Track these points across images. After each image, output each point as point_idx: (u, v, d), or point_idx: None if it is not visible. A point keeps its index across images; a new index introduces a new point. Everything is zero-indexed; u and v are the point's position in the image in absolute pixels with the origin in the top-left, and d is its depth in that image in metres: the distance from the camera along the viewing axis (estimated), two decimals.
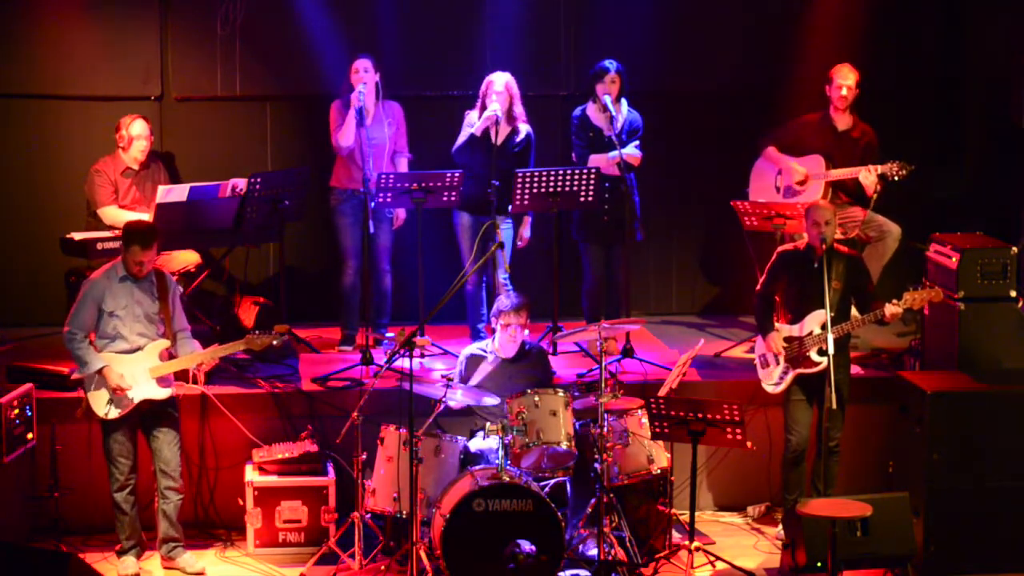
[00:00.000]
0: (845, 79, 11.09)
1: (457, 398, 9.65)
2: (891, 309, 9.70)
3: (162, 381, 9.60)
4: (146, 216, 10.68)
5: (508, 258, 10.88)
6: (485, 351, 10.07)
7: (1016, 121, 11.71)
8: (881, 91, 11.95)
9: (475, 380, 9.96)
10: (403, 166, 11.27)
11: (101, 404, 9.53)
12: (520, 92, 11.08)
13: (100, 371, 9.48)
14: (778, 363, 10.01)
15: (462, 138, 11.00)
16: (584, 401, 9.74)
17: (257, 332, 9.81)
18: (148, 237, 9.51)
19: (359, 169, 10.93)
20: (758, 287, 10.16)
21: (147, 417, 9.65)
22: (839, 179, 11.06)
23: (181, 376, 10.12)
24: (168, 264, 10.80)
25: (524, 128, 11.10)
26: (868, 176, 10.89)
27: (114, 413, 9.51)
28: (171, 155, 11.80)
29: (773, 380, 10.05)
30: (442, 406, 9.53)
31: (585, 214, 11.14)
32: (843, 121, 11.19)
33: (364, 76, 10.98)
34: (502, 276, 10.78)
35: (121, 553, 9.74)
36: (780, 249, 10.19)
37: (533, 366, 10.05)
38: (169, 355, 9.65)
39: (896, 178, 10.86)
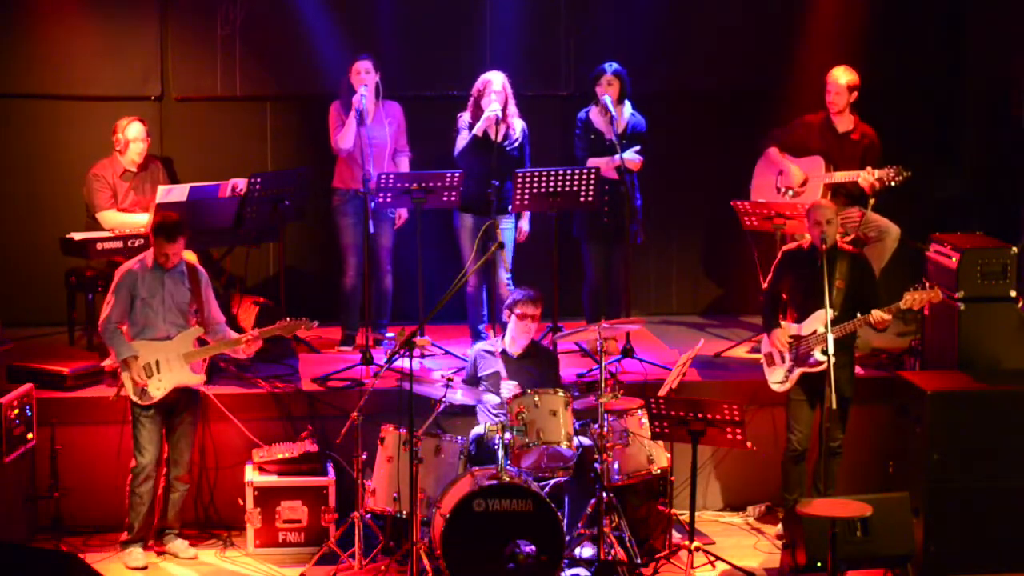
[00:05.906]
0: (835, 83, 11.07)
1: (457, 398, 9.66)
2: (878, 315, 9.68)
3: (195, 367, 9.70)
4: (145, 218, 10.70)
5: (510, 258, 10.90)
6: (493, 348, 10.06)
7: (1017, 120, 11.71)
8: (881, 91, 11.94)
9: (484, 376, 9.95)
10: (404, 164, 11.27)
11: (135, 388, 9.60)
12: (520, 92, 11.09)
13: (125, 360, 9.56)
14: (784, 361, 10.00)
15: (464, 141, 10.99)
16: (584, 401, 9.74)
17: (290, 318, 9.88)
18: (173, 231, 9.63)
19: (360, 169, 10.94)
20: (764, 285, 10.16)
21: (173, 407, 9.73)
22: (839, 182, 11.05)
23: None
24: None
25: (519, 124, 11.10)
26: (867, 178, 10.88)
27: (147, 398, 9.59)
28: (170, 159, 11.80)
29: (779, 378, 10.04)
30: (442, 406, 9.54)
31: (587, 213, 11.14)
32: (844, 123, 11.17)
33: (365, 77, 10.99)
34: (504, 276, 10.79)
35: (127, 544, 9.79)
36: (785, 248, 10.19)
37: (542, 364, 10.03)
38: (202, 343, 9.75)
39: (893, 183, 10.85)
